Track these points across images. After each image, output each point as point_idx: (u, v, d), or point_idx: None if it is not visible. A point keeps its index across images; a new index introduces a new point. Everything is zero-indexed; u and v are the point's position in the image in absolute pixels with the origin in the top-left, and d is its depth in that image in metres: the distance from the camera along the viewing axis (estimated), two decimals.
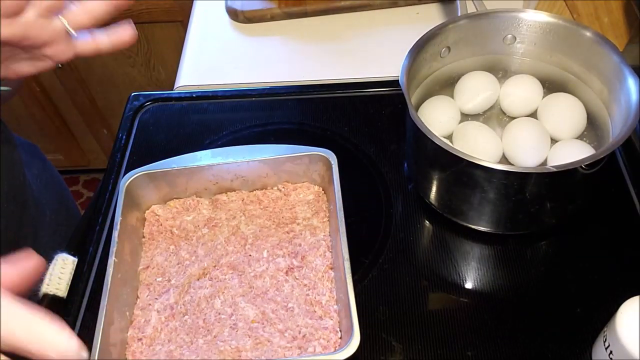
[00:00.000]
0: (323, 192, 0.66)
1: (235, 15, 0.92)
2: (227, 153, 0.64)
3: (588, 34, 0.63)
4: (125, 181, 0.63)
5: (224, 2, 0.95)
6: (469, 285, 0.61)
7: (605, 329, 0.52)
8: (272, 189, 0.66)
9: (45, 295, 0.62)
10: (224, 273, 0.60)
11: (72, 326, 0.60)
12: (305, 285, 0.58)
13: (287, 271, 0.59)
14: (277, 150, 0.64)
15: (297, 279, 0.59)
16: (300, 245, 0.61)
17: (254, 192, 0.66)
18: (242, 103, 0.81)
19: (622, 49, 0.70)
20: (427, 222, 0.66)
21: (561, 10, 0.83)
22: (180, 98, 0.82)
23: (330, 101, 0.79)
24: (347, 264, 0.54)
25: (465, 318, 0.59)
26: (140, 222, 0.65)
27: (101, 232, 0.67)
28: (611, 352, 0.50)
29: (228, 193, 0.66)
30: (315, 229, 0.62)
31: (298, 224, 0.63)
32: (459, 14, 0.66)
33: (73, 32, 0.50)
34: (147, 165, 0.64)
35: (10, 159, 0.68)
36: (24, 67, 0.52)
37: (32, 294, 0.63)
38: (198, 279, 0.60)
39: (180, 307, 0.58)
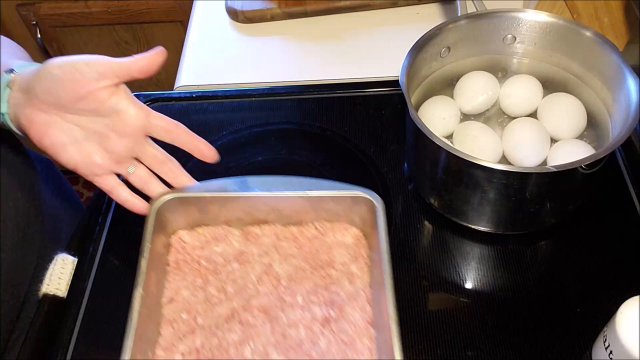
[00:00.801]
0: (363, 235, 0.61)
1: (235, 15, 0.92)
2: (265, 183, 0.59)
3: (588, 34, 0.63)
4: (155, 204, 0.58)
5: (224, 2, 0.95)
6: (469, 285, 0.61)
7: (605, 329, 0.52)
8: (308, 225, 0.61)
9: (45, 295, 0.62)
10: (254, 316, 0.55)
11: (72, 326, 0.60)
12: (343, 341, 0.53)
13: (323, 322, 0.55)
14: (318, 184, 0.59)
15: (334, 332, 0.54)
16: (337, 293, 0.57)
17: (289, 227, 0.61)
18: (242, 103, 0.80)
19: (622, 49, 0.70)
20: (427, 222, 0.66)
21: (561, 10, 0.83)
22: (180, 98, 0.82)
23: (330, 101, 0.79)
24: (395, 327, 0.49)
25: (465, 318, 0.59)
26: (166, 248, 0.60)
27: (101, 232, 0.67)
28: (611, 352, 0.50)
29: (261, 225, 0.61)
30: (354, 277, 0.58)
31: (335, 269, 0.59)
32: (459, 14, 0.66)
33: None
34: (180, 189, 0.59)
35: (29, 177, 0.67)
36: None
37: (32, 294, 0.63)
38: (227, 321, 0.55)
39: (207, 352, 0.53)
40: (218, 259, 0.59)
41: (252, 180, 0.60)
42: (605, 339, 0.51)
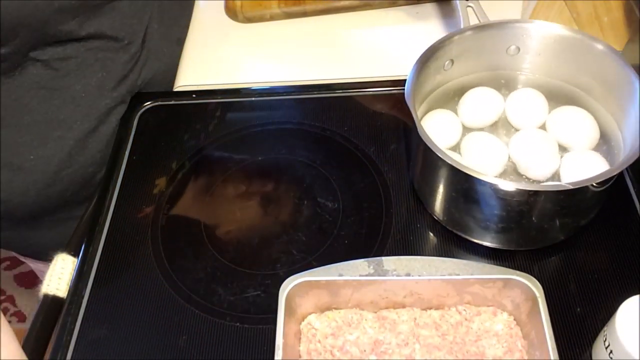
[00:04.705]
0: (515, 322, 0.54)
1: (235, 15, 0.92)
2: (401, 264, 0.55)
3: (595, 44, 0.61)
4: (285, 289, 0.53)
5: (223, 2, 0.95)
6: None
7: (605, 329, 0.52)
8: (449, 309, 0.56)
9: (46, 295, 0.62)
10: None
11: (72, 326, 0.60)
12: None
13: None
14: (462, 266, 0.54)
15: None
16: None
17: (428, 311, 0.56)
18: (242, 103, 0.80)
19: (622, 48, 0.70)
20: (429, 221, 0.66)
21: (561, 10, 0.83)
22: (180, 98, 0.82)
23: (330, 101, 0.79)
24: None
25: None
26: (297, 338, 0.55)
27: (101, 232, 0.67)
28: (611, 351, 0.50)
29: (397, 310, 0.56)
30: None
31: None
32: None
33: None
34: (309, 271, 0.55)
35: None
36: None
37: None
38: None
39: None
40: (353, 350, 0.54)
41: (387, 261, 0.55)
42: (605, 339, 0.51)
